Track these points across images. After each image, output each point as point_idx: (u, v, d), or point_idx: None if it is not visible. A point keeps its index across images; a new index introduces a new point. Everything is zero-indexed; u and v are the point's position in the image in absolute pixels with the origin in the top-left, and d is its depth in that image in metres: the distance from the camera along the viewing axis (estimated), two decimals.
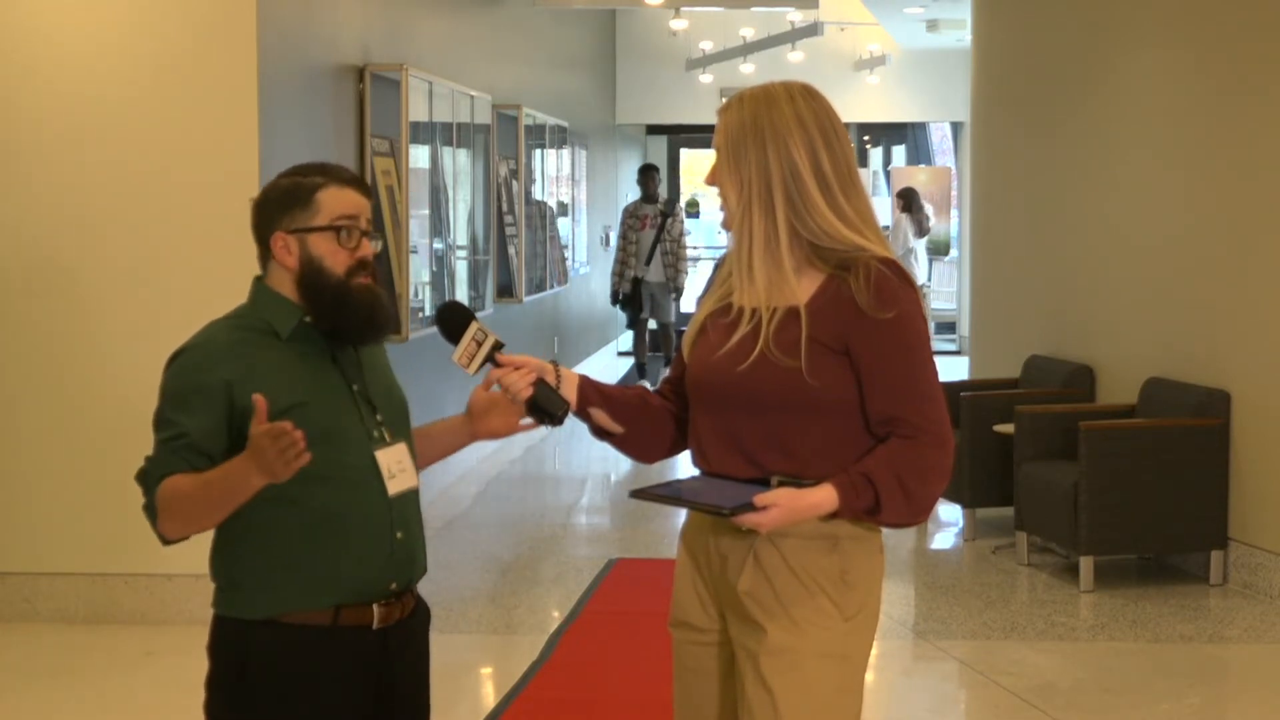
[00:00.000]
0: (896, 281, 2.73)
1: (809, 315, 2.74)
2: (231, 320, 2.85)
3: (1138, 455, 7.04)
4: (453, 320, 2.85)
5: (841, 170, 2.77)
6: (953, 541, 8.10)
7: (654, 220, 13.63)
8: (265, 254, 2.85)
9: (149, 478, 2.75)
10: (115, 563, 6.27)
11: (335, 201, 2.80)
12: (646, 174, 14.04)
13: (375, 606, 2.82)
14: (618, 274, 13.87)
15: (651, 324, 14.02)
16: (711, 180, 2.84)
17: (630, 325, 14.11)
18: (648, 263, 13.60)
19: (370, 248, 2.84)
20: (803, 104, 2.78)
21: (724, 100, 2.98)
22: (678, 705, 2.96)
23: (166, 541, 2.81)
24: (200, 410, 2.72)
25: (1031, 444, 7.57)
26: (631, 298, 13.66)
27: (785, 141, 2.75)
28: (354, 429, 2.81)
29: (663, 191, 14.70)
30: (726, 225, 2.84)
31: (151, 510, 2.75)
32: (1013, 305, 9.60)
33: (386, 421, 2.88)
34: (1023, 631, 6.46)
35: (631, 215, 13.80)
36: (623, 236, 13.89)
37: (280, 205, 2.81)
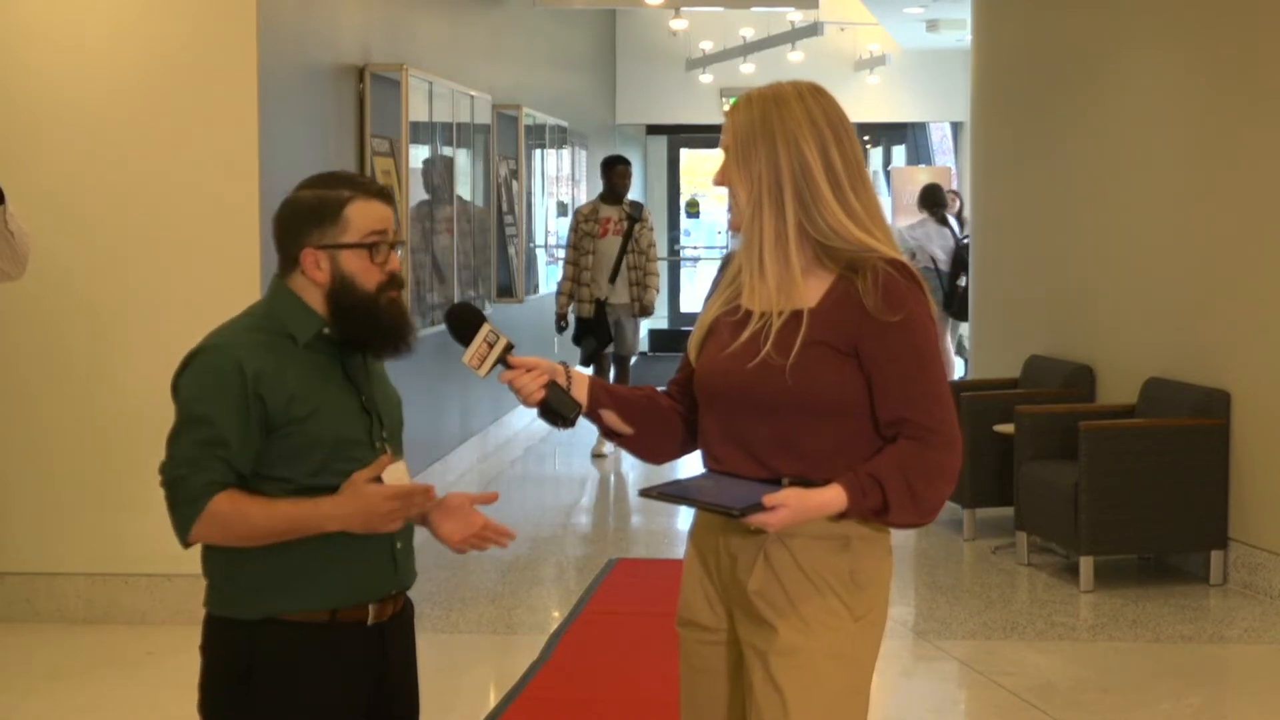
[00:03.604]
0: (904, 284, 2.74)
1: (812, 319, 2.74)
2: (247, 321, 2.84)
3: (1138, 455, 7.04)
4: (464, 322, 2.84)
5: (851, 167, 2.78)
6: (953, 541, 8.10)
7: (618, 225, 10.77)
8: (289, 264, 2.82)
9: (188, 483, 2.72)
10: (115, 563, 6.27)
11: (364, 216, 2.79)
12: (613, 168, 11.00)
13: (371, 605, 2.84)
14: (566, 294, 10.79)
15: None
16: (720, 180, 2.82)
17: (588, 360, 10.77)
18: (612, 279, 10.71)
19: (398, 260, 2.84)
20: (812, 102, 2.78)
21: (728, 101, 2.98)
22: (684, 704, 2.96)
23: (188, 545, 2.79)
24: (235, 406, 2.71)
25: (1031, 444, 7.57)
26: (595, 325, 10.73)
27: (795, 139, 2.75)
28: (361, 441, 2.81)
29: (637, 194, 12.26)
30: (734, 226, 2.83)
31: (187, 519, 2.73)
32: (1013, 305, 9.60)
33: (390, 436, 2.89)
34: (1023, 631, 6.46)
35: (588, 219, 10.80)
36: (573, 246, 10.85)
37: (308, 220, 2.79)
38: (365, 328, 2.80)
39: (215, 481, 2.71)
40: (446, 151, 9.14)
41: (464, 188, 9.71)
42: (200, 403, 2.73)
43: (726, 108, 18.16)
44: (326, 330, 2.81)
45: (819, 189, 2.74)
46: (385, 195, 2.85)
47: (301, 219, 2.80)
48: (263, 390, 2.72)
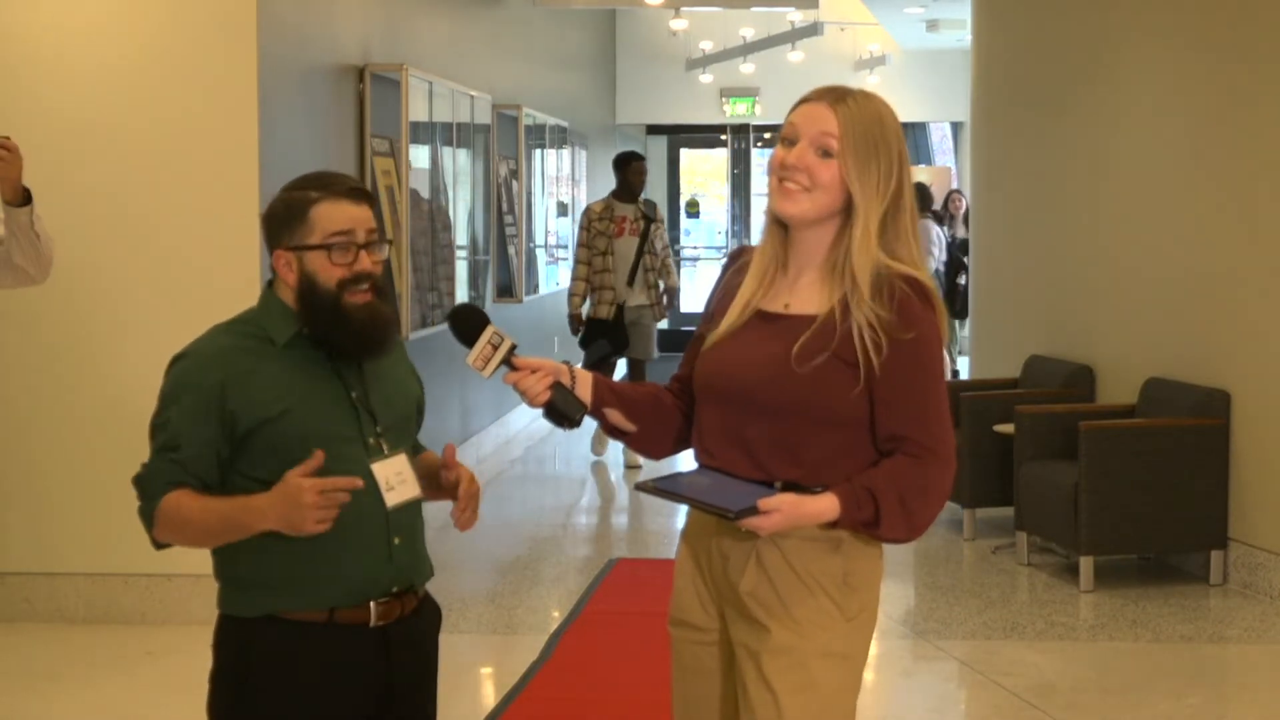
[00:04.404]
0: (919, 303, 2.75)
1: (829, 328, 2.74)
2: (230, 326, 2.87)
3: (1138, 455, 7.04)
4: (468, 323, 2.84)
5: (912, 199, 2.81)
6: (953, 541, 8.10)
7: (635, 226, 10.15)
8: (273, 268, 2.87)
9: (147, 484, 2.79)
10: (115, 563, 6.27)
11: (328, 217, 2.80)
12: (628, 164, 10.38)
13: (373, 604, 2.82)
14: (580, 295, 10.15)
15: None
16: (803, 164, 2.75)
17: (596, 365, 9.88)
18: (630, 282, 10.09)
19: (367, 262, 2.82)
20: (899, 128, 2.80)
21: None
22: (676, 704, 2.96)
23: (159, 546, 2.85)
24: (193, 412, 2.75)
25: (1031, 444, 7.57)
26: (613, 330, 10.05)
27: (903, 161, 2.77)
28: (349, 438, 2.81)
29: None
30: (796, 212, 2.78)
31: (148, 518, 2.79)
32: (1013, 305, 9.60)
33: (386, 432, 2.87)
34: (1023, 631, 6.46)
35: (601, 218, 10.15)
36: (585, 246, 10.14)
37: (281, 222, 2.83)
38: (331, 327, 2.79)
39: (170, 481, 2.75)
40: (438, 151, 9.14)
41: (464, 188, 9.71)
42: (164, 409, 2.79)
43: (727, 106, 18.26)
44: (306, 331, 2.82)
45: (914, 214, 2.78)
46: (357, 195, 2.85)
47: (275, 223, 2.84)
48: (225, 394, 2.75)
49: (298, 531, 2.65)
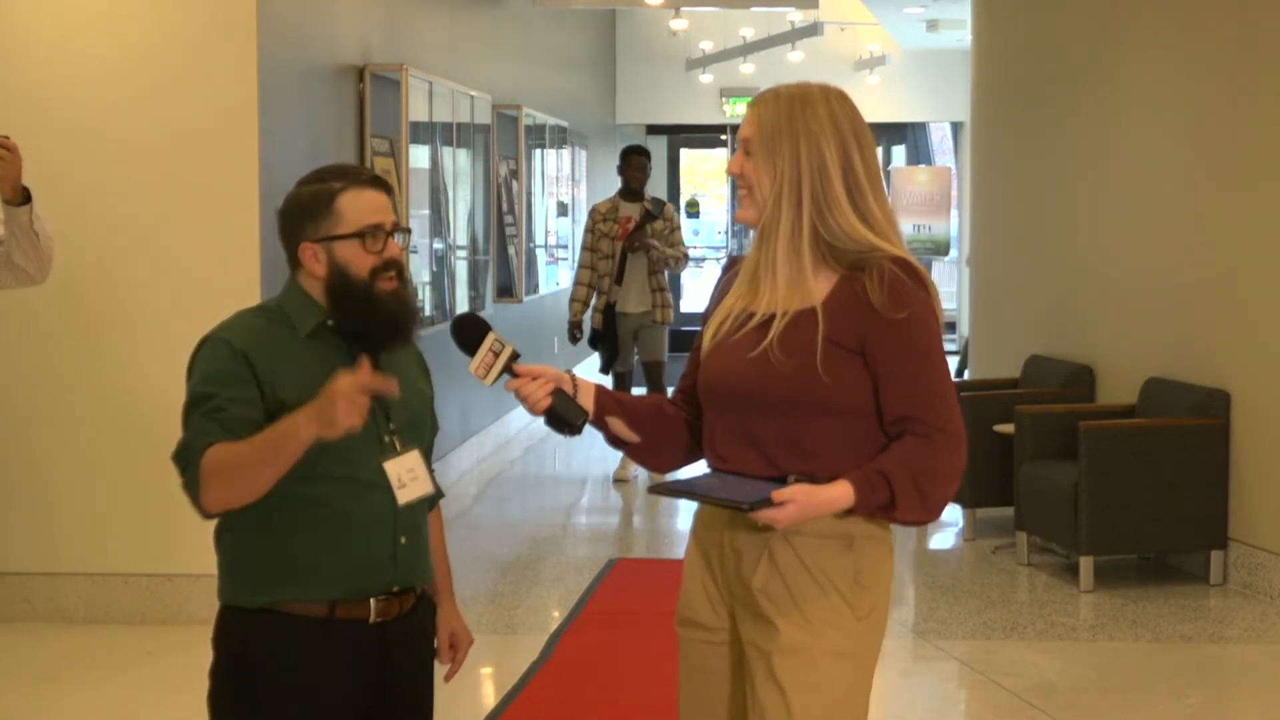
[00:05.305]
0: (909, 282, 2.75)
1: (825, 315, 2.75)
2: (256, 311, 2.89)
3: (1138, 455, 7.04)
4: (470, 332, 2.85)
5: (871, 174, 2.80)
6: (953, 541, 8.10)
7: (637, 224, 9.67)
8: (294, 261, 2.86)
9: (190, 451, 2.72)
10: (115, 563, 6.27)
11: (357, 206, 2.81)
12: (626, 159, 9.83)
13: (373, 601, 2.83)
14: (581, 300, 9.83)
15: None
16: (737, 170, 2.84)
17: (607, 369, 9.76)
18: (619, 280, 9.60)
19: (397, 248, 2.84)
20: (837, 106, 2.81)
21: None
22: (684, 704, 2.96)
23: (208, 515, 2.77)
24: (232, 381, 2.74)
25: (1031, 444, 7.57)
26: (605, 334, 9.69)
27: (818, 140, 2.77)
28: (364, 434, 2.81)
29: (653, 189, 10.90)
30: (746, 219, 2.84)
31: (194, 484, 2.71)
32: (1013, 305, 9.60)
33: (400, 429, 2.88)
34: (1023, 631, 6.46)
35: (606, 218, 9.72)
36: (589, 249, 9.77)
37: (303, 215, 2.83)
38: (362, 316, 2.79)
39: (213, 441, 2.71)
40: (438, 151, 9.14)
41: (464, 188, 9.72)
42: (200, 384, 2.76)
43: (727, 106, 18.26)
44: (330, 322, 2.83)
45: (834, 191, 2.76)
46: (379, 183, 2.87)
47: (297, 215, 2.84)
48: (259, 369, 2.75)
49: (331, 427, 2.56)
